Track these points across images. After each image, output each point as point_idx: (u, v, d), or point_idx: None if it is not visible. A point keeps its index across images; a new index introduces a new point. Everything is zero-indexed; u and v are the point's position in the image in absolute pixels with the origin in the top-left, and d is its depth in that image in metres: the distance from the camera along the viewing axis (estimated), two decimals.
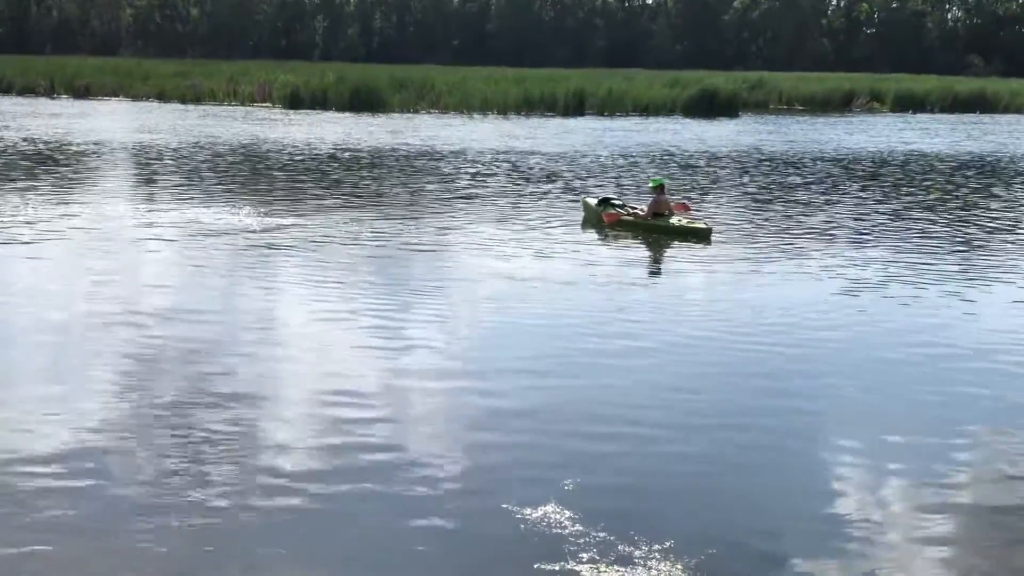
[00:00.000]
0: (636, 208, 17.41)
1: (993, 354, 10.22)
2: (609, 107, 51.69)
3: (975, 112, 59.35)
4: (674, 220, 16.70)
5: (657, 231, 16.58)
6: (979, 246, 16.43)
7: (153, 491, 6.69)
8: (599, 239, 16.34)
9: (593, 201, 18.04)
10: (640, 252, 15.74)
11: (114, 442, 7.46)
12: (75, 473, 6.92)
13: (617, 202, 17.80)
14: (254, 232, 15.98)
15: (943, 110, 60.19)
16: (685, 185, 23.37)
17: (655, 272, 14.69)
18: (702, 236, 16.11)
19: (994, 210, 20.61)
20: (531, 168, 26.16)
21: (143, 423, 7.81)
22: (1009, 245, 16.55)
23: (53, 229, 15.87)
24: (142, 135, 33.56)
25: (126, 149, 29.19)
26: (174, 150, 28.98)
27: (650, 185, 17.87)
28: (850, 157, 31.68)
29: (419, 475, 7.04)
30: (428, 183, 22.81)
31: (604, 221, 17.08)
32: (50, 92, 56.34)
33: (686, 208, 17.92)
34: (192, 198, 19.61)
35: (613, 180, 24.11)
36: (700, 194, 21.83)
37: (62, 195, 19.64)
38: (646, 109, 52.03)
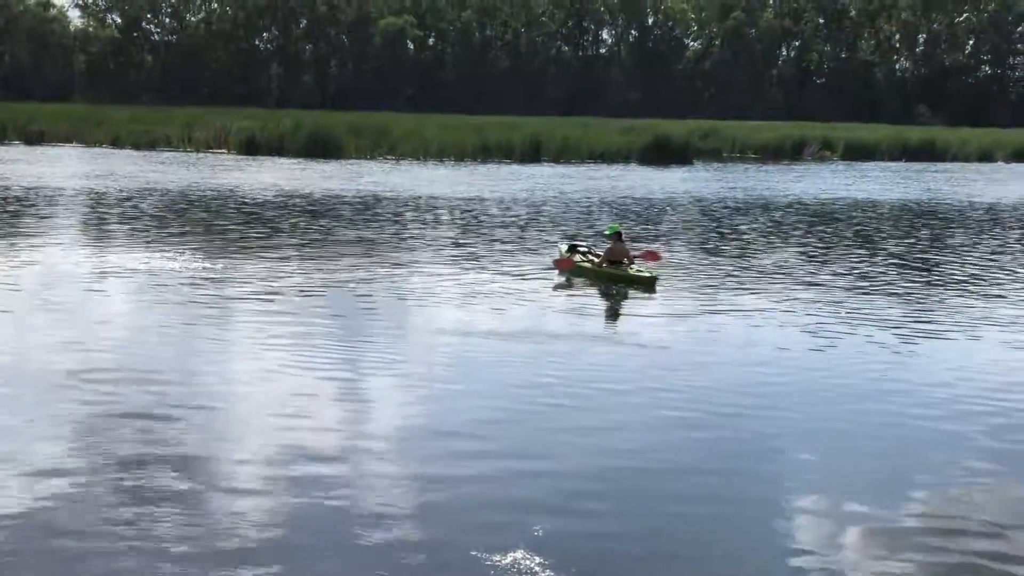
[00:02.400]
0: (600, 255, 17.44)
1: (945, 401, 10.28)
2: (564, 154, 52.04)
3: (924, 160, 60.33)
4: (633, 268, 16.72)
5: (607, 279, 16.63)
6: (928, 294, 16.60)
7: (100, 553, 6.55)
8: (556, 287, 16.28)
9: (564, 247, 18.14)
10: (595, 301, 15.71)
11: (61, 499, 7.30)
12: (24, 531, 6.77)
13: (583, 248, 17.87)
14: (204, 280, 15.82)
15: (893, 158, 61.15)
16: (641, 232, 23.52)
17: (611, 321, 14.64)
18: (647, 284, 16.17)
19: (943, 258, 20.89)
20: (487, 215, 26.23)
21: (89, 479, 7.62)
22: (958, 293, 16.73)
23: None
24: (94, 181, 33.27)
25: (76, 195, 28.89)
26: (125, 197, 28.73)
27: (606, 233, 17.94)
28: (802, 205, 32.07)
29: (385, 525, 6.95)
30: (383, 230, 22.77)
31: (555, 267, 17.17)
32: (2, 138, 55.78)
33: (656, 256, 17.98)
34: (142, 246, 19.43)
35: (569, 227, 24.19)
36: (650, 241, 21.93)
37: (6, 241, 19.40)
38: (601, 156, 52.45)
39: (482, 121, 63.84)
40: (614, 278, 16.58)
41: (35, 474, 7.63)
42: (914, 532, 7.15)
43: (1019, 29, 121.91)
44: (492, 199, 30.39)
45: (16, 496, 7.26)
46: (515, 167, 46.21)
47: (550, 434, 8.91)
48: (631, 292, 15.93)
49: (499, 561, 6.40)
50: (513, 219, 25.49)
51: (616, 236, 17.20)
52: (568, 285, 16.47)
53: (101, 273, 16.25)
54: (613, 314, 15.07)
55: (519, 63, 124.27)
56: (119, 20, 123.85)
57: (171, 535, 6.71)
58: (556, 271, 17.22)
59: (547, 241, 21.24)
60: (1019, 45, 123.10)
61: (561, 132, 55.02)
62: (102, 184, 32.30)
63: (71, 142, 54.94)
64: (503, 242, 21.19)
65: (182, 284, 15.39)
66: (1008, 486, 8.04)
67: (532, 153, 51.42)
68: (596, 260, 17.17)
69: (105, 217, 24.48)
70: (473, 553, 6.50)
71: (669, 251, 19.80)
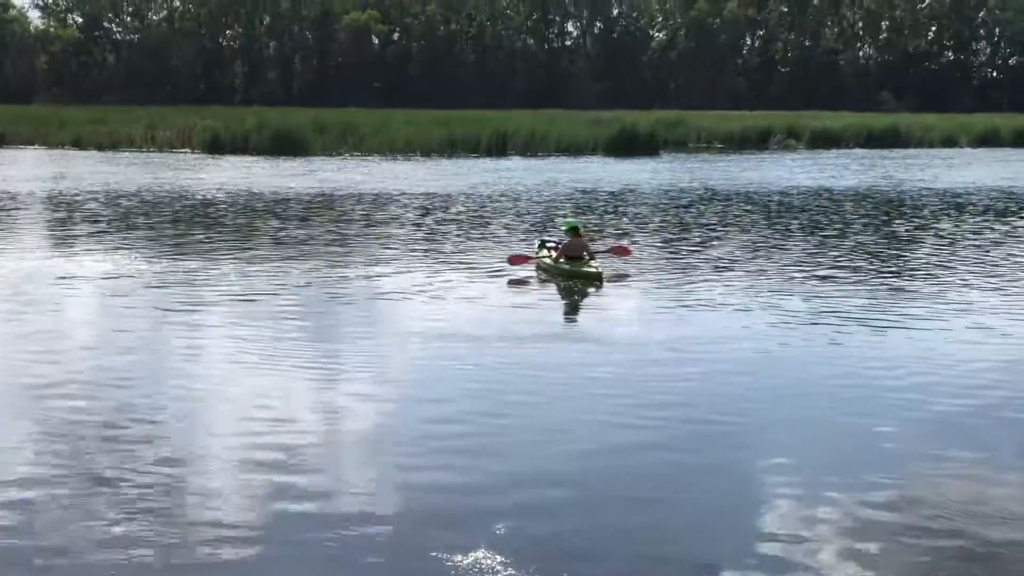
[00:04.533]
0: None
1: (913, 387, 10.32)
2: (532, 147, 51.98)
3: (889, 147, 60.61)
4: (593, 263, 16.57)
5: (560, 275, 16.43)
6: (894, 281, 16.67)
7: (78, 551, 6.49)
8: (511, 284, 16.08)
9: (536, 243, 18.06)
10: (552, 297, 15.53)
11: (30, 507, 7.22)
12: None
13: (551, 244, 17.73)
14: (169, 283, 15.71)
15: (858, 145, 61.41)
16: (608, 225, 23.53)
17: (569, 317, 14.52)
18: (593, 279, 16.00)
19: (908, 244, 21.02)
20: (451, 211, 26.17)
21: (57, 486, 7.56)
22: (924, 279, 16.82)
23: None
24: (55, 183, 32.94)
25: (37, 198, 28.63)
26: (87, 199, 28.50)
27: (563, 228, 17.76)
28: (767, 195, 32.16)
29: (347, 524, 6.92)
30: (348, 228, 22.67)
31: (510, 264, 17.03)
32: None
33: (626, 251, 17.91)
34: (105, 249, 19.26)
35: (535, 221, 24.14)
36: (618, 234, 21.94)
37: None
38: (568, 149, 52.39)
39: (449, 115, 63.68)
40: (566, 274, 16.42)
41: (4, 482, 7.56)
42: (885, 517, 7.13)
43: (980, 15, 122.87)
44: (457, 194, 30.31)
45: None
46: (482, 161, 46.11)
47: (510, 433, 8.87)
48: (589, 288, 15.74)
49: (460, 561, 6.36)
50: (477, 214, 25.42)
51: (573, 231, 17.06)
52: (523, 281, 16.29)
53: (64, 278, 16.06)
54: (571, 310, 14.94)
55: (485, 57, 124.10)
56: (80, 20, 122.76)
57: (141, 539, 6.66)
58: (511, 267, 16.99)
59: (505, 237, 21.21)
60: (981, 31, 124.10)
61: (528, 125, 54.94)
62: (63, 186, 31.99)
63: (33, 144, 54.38)
64: (465, 238, 21.10)
65: (147, 287, 15.26)
66: (979, 469, 8.05)
67: (499, 147, 51.31)
68: (554, 256, 17.01)
69: (66, 220, 24.24)
70: (433, 554, 6.46)
71: (636, 244, 19.74)
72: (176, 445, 8.41)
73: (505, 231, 22.12)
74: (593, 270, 16.24)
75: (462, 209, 26.39)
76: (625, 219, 24.93)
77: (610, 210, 26.80)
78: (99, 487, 7.47)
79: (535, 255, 17.44)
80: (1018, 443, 8.73)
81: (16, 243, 19.85)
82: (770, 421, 9.31)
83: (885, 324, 13.22)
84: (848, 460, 8.22)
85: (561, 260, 16.71)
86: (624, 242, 19.56)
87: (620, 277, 16.49)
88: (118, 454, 8.14)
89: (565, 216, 20.76)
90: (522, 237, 20.89)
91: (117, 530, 6.79)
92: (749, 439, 8.83)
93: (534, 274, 16.78)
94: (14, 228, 22.31)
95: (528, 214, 25.52)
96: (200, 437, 8.68)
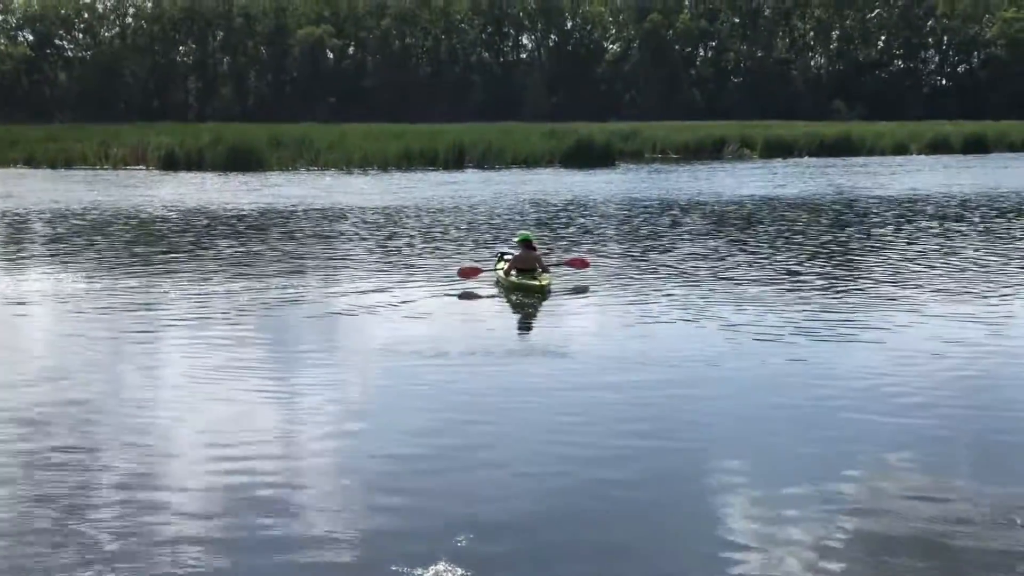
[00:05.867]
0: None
1: (869, 393, 10.44)
2: (489, 160, 52.14)
3: (841, 155, 61.27)
4: (545, 276, 16.48)
5: (509, 288, 16.38)
6: (849, 287, 16.84)
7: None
8: (461, 297, 16.05)
9: (496, 256, 18.06)
10: (503, 311, 15.49)
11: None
12: None
13: (508, 256, 17.69)
14: (127, 303, 15.60)
15: (811, 154, 62.03)
16: (565, 237, 23.63)
17: (524, 329, 14.45)
18: (535, 292, 15.96)
19: (862, 251, 21.24)
20: (408, 225, 26.17)
21: (18, 510, 7.54)
22: (878, 285, 17.00)
23: None
24: (6, 202, 32.60)
25: None
26: (39, 218, 28.25)
27: (515, 240, 17.78)
28: (723, 204, 32.43)
29: (306, 538, 6.94)
30: (305, 243, 22.62)
31: (460, 277, 17.01)
32: None
33: (584, 263, 17.93)
34: (57, 268, 19.08)
35: (490, 234, 24.19)
36: (575, 246, 22.04)
37: None
38: (525, 161, 52.60)
39: (405, 129, 63.75)
40: (513, 287, 16.36)
41: None
42: (845, 529, 7.20)
43: (929, 23, 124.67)
44: (413, 208, 30.33)
45: None
46: (439, 174, 46.19)
47: (466, 449, 8.87)
48: (533, 300, 15.72)
49: (422, 572, 6.40)
50: (433, 228, 25.44)
51: (525, 243, 17.01)
52: (474, 295, 16.20)
53: (17, 299, 15.93)
54: (524, 324, 14.80)
55: (440, 70, 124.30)
56: (31, 37, 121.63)
57: (104, 539, 6.72)
58: (462, 280, 16.94)
59: (460, 250, 21.25)
60: (930, 39, 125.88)
61: (484, 138, 55.09)
62: (13, 205, 31.67)
63: None
64: (420, 252, 21.05)
65: (103, 308, 15.13)
66: (939, 480, 8.11)
67: (456, 160, 51.45)
68: (505, 268, 16.96)
69: (16, 240, 24.00)
70: (394, 568, 6.49)
71: (594, 256, 19.78)
72: (131, 469, 8.33)
73: (460, 244, 22.15)
74: (536, 283, 16.14)
75: (417, 223, 26.39)
76: (582, 231, 25.03)
77: (567, 222, 26.91)
78: (59, 511, 7.42)
79: (493, 267, 17.44)
80: (976, 452, 8.84)
81: None
82: (729, 435, 9.31)
83: (842, 334, 13.30)
84: (807, 473, 8.26)
85: (512, 273, 16.62)
86: (581, 254, 19.62)
87: (578, 289, 16.54)
88: (68, 483, 8.03)
89: (521, 231, 20.81)
90: (477, 250, 20.92)
91: (70, 561, 6.73)
92: (708, 454, 8.84)
93: (486, 287, 16.76)
94: None
95: (484, 227, 25.55)
96: (154, 459, 8.60)
